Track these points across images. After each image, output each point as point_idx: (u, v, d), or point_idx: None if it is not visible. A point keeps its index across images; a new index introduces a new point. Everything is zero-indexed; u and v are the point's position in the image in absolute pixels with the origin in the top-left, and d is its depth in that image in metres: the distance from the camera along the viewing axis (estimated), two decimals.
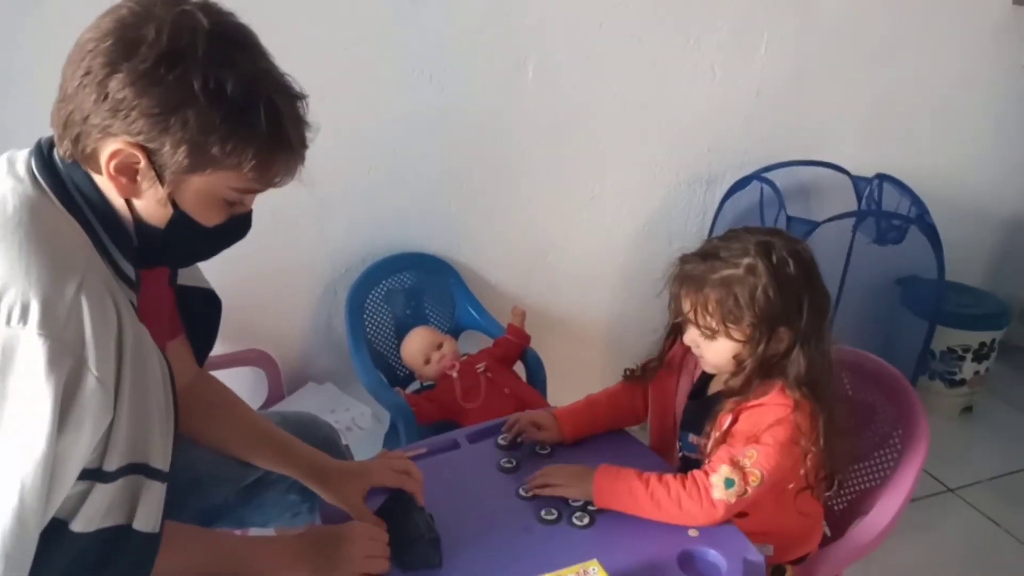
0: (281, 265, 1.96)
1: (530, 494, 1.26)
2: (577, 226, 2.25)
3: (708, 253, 1.23)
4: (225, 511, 1.29)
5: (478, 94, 1.97)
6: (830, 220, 2.09)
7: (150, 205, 0.89)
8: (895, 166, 2.38)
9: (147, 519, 0.88)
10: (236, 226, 0.97)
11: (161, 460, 0.90)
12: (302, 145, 0.92)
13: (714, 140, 2.30)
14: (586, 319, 2.38)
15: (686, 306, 1.23)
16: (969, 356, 2.57)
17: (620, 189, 2.25)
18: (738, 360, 1.22)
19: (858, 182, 2.39)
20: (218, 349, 1.92)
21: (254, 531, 1.69)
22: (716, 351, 1.24)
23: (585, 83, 2.08)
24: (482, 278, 2.20)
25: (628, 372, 1.46)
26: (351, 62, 1.83)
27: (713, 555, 1.14)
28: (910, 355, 2.38)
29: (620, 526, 1.20)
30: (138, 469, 0.86)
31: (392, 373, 2.08)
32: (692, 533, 1.17)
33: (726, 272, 1.19)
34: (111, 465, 0.84)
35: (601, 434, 1.43)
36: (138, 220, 0.90)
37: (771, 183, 2.24)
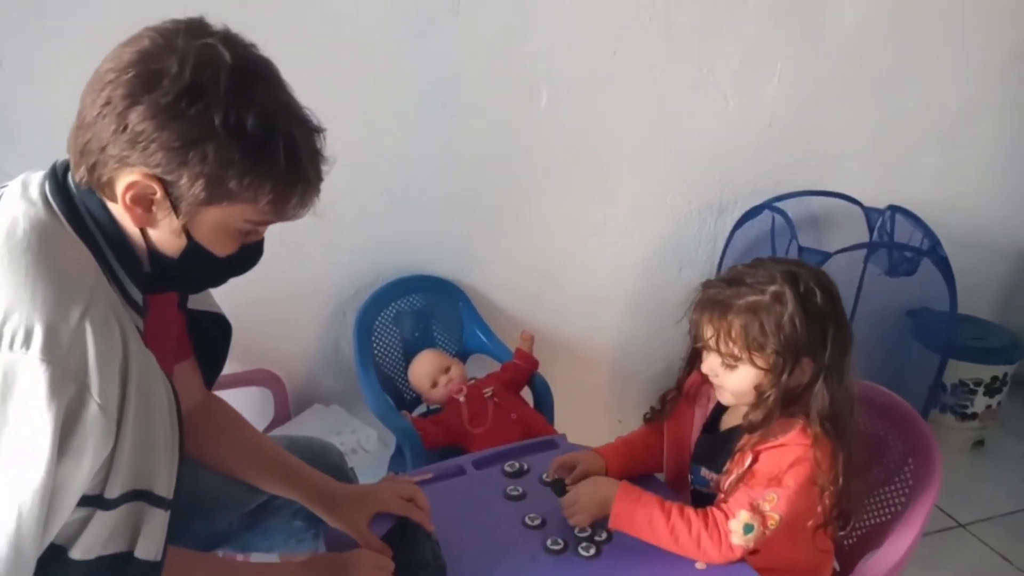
0: (290, 286, 1.96)
1: (537, 523, 1.25)
2: (587, 252, 2.25)
3: (733, 279, 1.21)
4: (229, 536, 1.28)
5: (491, 120, 1.98)
6: (843, 251, 2.08)
7: (164, 235, 0.89)
8: (905, 196, 2.38)
9: (149, 547, 0.87)
10: (248, 255, 0.97)
11: (165, 487, 0.89)
12: (318, 179, 0.92)
13: (726, 169, 2.31)
14: (594, 345, 2.37)
15: (708, 332, 1.21)
16: (981, 390, 2.55)
17: (630, 216, 2.25)
18: (759, 391, 1.20)
19: (870, 213, 2.38)
20: (226, 368, 1.93)
21: (256, 556, 1.68)
22: (737, 380, 1.21)
23: (598, 110, 2.08)
24: (491, 302, 2.20)
25: (648, 414, 1.43)
26: (364, 85, 1.84)
27: None
28: (921, 388, 2.36)
29: (626, 558, 1.19)
30: (141, 496, 0.85)
31: (399, 396, 2.07)
32: (700, 566, 1.16)
33: (752, 298, 1.17)
34: (113, 492, 0.83)
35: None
36: (152, 249, 0.90)
37: (783, 212, 2.24)
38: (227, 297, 1.81)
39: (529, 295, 2.24)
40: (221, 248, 0.92)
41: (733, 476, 1.21)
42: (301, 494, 1.23)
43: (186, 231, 0.88)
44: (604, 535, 1.22)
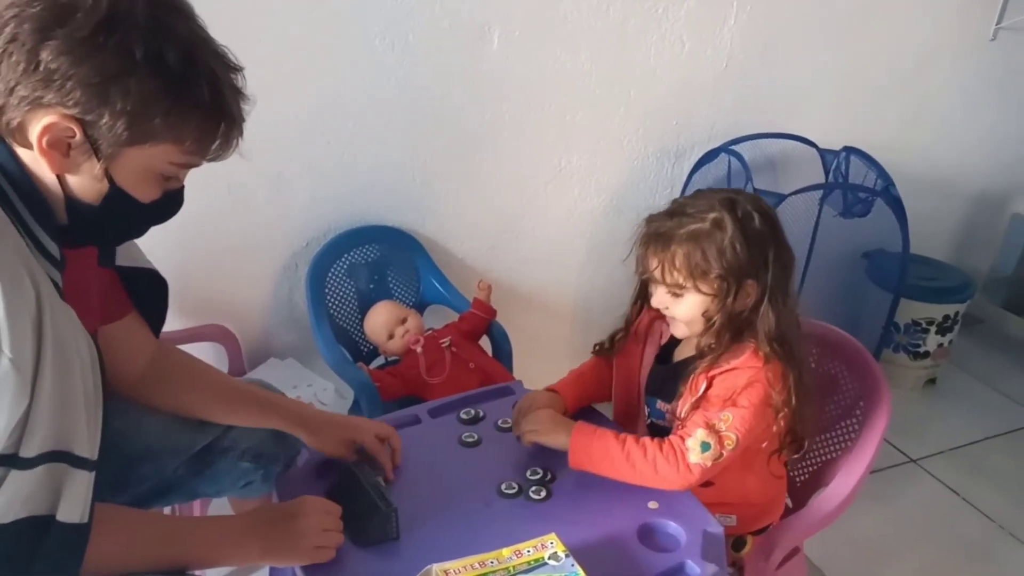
0: (240, 239, 1.92)
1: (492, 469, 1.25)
2: (544, 199, 2.22)
3: (674, 211, 1.24)
4: (176, 484, 1.26)
5: (441, 64, 1.93)
6: (797, 192, 2.08)
7: (84, 181, 0.85)
8: (862, 139, 2.38)
9: (72, 509, 0.83)
10: (170, 202, 0.94)
11: (87, 448, 0.85)
12: (241, 118, 0.89)
13: (682, 112, 2.28)
14: (553, 293, 2.36)
15: (653, 264, 1.23)
16: (933, 329, 2.60)
17: (587, 162, 2.22)
18: (707, 317, 1.23)
19: (825, 155, 2.38)
20: (177, 324, 1.91)
21: (215, 506, 1.67)
22: (685, 308, 1.24)
23: (551, 53, 2.04)
24: (448, 252, 2.17)
25: (597, 347, 1.46)
26: (309, 29, 1.77)
27: (673, 527, 1.13)
28: (875, 328, 2.40)
29: (577, 500, 1.19)
30: (60, 457, 0.81)
31: (356, 348, 2.05)
32: (652, 506, 1.17)
33: (693, 227, 1.19)
34: (29, 451, 0.78)
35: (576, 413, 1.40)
36: (70, 196, 0.86)
37: (739, 155, 2.23)
38: (176, 251, 1.77)
39: (487, 244, 2.21)
40: (144, 193, 0.89)
41: (688, 402, 1.24)
42: (280, 420, 1.25)
43: (108, 175, 0.84)
44: (550, 475, 1.23)
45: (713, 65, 2.25)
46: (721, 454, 1.17)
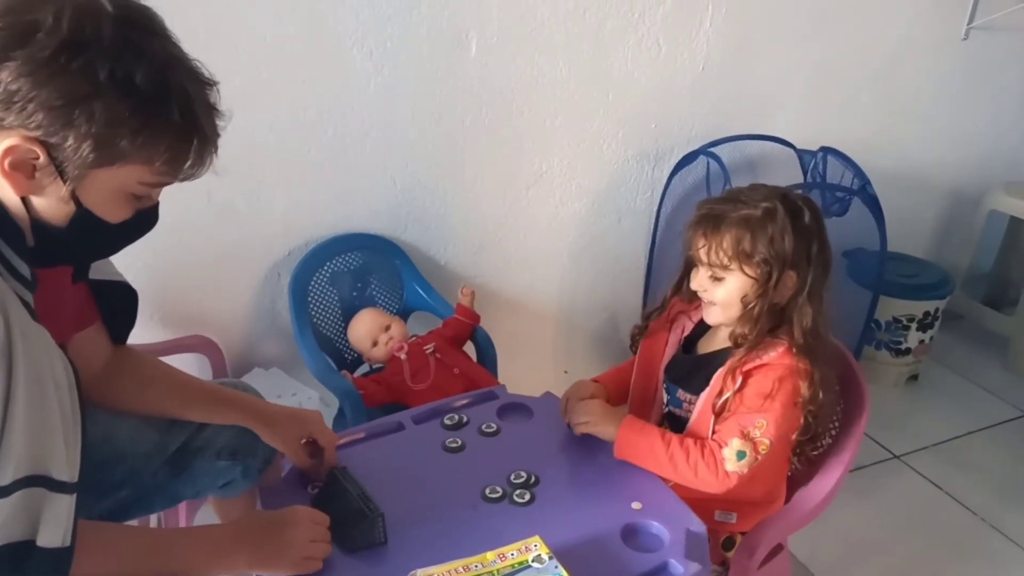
0: (221, 249, 1.91)
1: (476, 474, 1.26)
2: (525, 204, 2.23)
3: (728, 198, 1.29)
4: (156, 489, 1.26)
5: (419, 69, 1.93)
6: None
7: (50, 202, 0.83)
8: (838, 139, 2.40)
9: (53, 534, 0.82)
10: (142, 221, 0.92)
11: (66, 471, 0.83)
12: (215, 135, 0.87)
13: (660, 115, 2.30)
14: (536, 297, 2.37)
15: (700, 243, 1.27)
16: (914, 325, 2.62)
17: (567, 166, 2.23)
18: (745, 302, 1.26)
19: (803, 155, 2.40)
20: (159, 335, 1.91)
21: (201, 516, 1.66)
22: (725, 292, 1.27)
23: (530, 58, 2.05)
24: (430, 258, 2.17)
25: (632, 343, 1.49)
26: (285, 38, 1.77)
27: (656, 527, 1.14)
28: (856, 326, 2.41)
29: (560, 502, 1.20)
30: (37, 481, 0.80)
31: (340, 356, 2.05)
32: (635, 506, 1.18)
33: (745, 212, 1.24)
34: (3, 479, 0.77)
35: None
36: (35, 218, 0.84)
37: (717, 158, 2.24)
38: (157, 262, 1.76)
39: (469, 250, 2.22)
40: (114, 214, 0.87)
41: (723, 397, 1.27)
42: (237, 414, 1.24)
43: (75, 197, 0.83)
44: (534, 479, 1.24)
45: (690, 68, 2.27)
46: (756, 459, 1.22)
